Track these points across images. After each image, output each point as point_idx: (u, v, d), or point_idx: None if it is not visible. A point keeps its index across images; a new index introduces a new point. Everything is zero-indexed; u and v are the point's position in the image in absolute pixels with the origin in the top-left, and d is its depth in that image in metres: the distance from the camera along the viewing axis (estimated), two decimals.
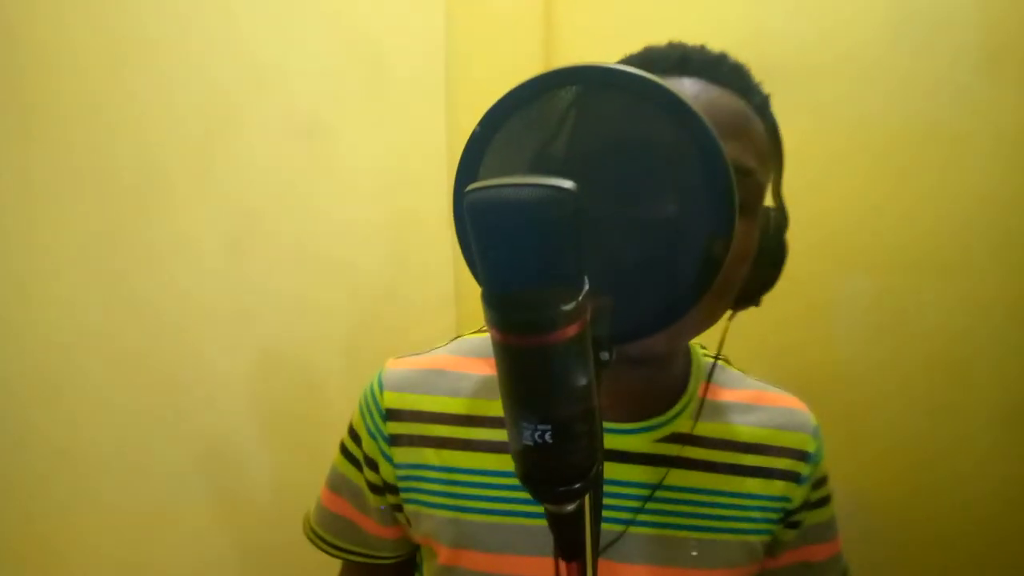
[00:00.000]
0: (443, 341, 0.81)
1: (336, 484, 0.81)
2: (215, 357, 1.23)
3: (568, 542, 0.49)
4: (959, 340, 1.32)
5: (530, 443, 0.42)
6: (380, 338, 1.42)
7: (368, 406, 0.75)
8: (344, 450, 0.79)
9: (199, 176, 1.20)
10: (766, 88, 0.71)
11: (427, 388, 0.74)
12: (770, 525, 0.75)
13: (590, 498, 0.48)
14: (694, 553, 0.71)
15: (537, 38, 1.49)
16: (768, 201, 0.72)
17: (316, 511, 0.83)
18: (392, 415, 0.73)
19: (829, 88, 1.35)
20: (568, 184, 0.38)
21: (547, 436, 0.42)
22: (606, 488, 0.68)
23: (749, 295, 0.69)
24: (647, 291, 0.52)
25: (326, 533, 0.81)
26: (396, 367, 0.76)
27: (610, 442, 0.71)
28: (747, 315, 0.74)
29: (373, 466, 0.75)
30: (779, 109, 1.43)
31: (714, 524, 0.72)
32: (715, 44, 0.68)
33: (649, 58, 0.67)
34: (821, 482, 0.78)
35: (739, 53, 0.66)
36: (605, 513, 0.69)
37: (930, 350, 1.34)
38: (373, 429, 0.74)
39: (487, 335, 0.80)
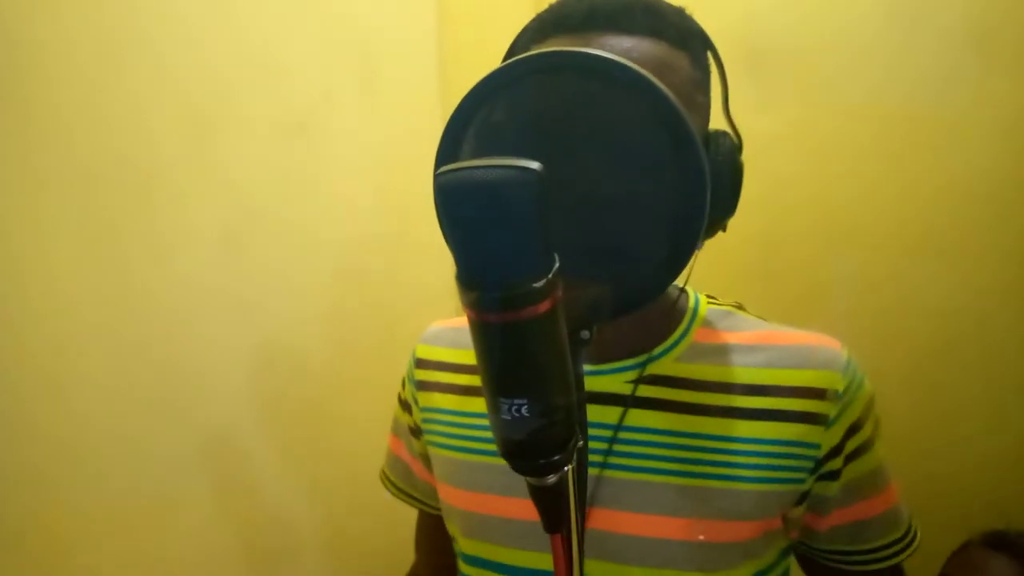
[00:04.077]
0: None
1: (396, 428, 0.90)
2: (216, 347, 1.25)
3: (552, 514, 0.50)
4: (949, 321, 1.33)
5: (507, 418, 0.44)
6: (382, 325, 1.43)
7: (411, 356, 0.86)
8: (399, 397, 0.88)
9: (197, 170, 1.21)
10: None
11: (448, 342, 0.83)
12: (793, 474, 0.68)
13: (573, 472, 0.50)
14: (675, 498, 0.67)
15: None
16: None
17: (386, 456, 0.92)
18: (420, 364, 0.84)
19: (819, 71, 1.35)
20: (534, 165, 0.39)
21: (523, 410, 0.43)
22: None
23: (712, 224, 0.63)
24: (625, 270, 0.53)
25: (391, 475, 0.91)
26: (435, 325, 0.86)
27: None
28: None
29: (409, 409, 0.85)
30: (769, 92, 1.43)
31: (701, 469, 0.68)
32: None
33: (562, 13, 0.64)
34: (857, 426, 0.69)
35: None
36: None
37: (920, 331, 1.35)
38: (409, 375, 0.85)
39: None
